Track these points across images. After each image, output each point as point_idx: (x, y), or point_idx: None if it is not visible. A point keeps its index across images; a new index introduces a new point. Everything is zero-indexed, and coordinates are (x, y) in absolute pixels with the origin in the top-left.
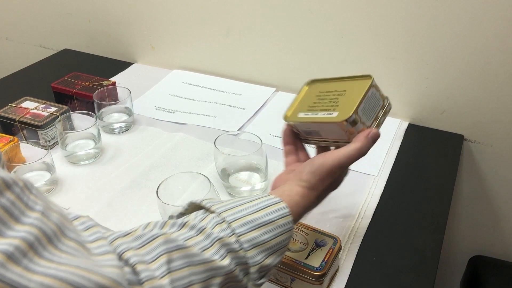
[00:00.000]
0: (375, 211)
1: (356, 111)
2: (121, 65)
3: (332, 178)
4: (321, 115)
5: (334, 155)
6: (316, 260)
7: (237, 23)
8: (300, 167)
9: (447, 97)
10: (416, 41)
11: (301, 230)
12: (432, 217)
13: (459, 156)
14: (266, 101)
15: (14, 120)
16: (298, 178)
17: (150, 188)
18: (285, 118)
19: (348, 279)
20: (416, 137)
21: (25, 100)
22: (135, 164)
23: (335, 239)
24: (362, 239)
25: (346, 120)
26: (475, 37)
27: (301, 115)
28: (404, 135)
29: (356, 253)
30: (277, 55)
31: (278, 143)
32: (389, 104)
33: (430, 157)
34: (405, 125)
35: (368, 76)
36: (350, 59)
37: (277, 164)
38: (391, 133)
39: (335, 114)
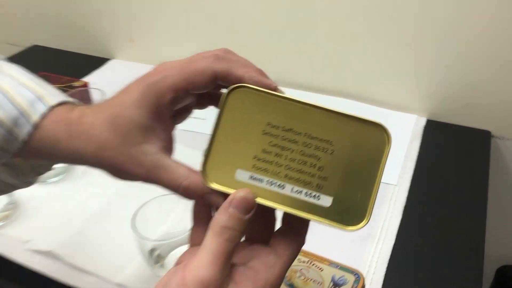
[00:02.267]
0: (398, 229)
1: (370, 213)
2: (97, 62)
3: None
4: (297, 198)
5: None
6: None
7: (227, 10)
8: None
9: (470, 87)
10: (435, 23)
11: (313, 264)
12: (466, 233)
13: (488, 155)
14: None
15: None
16: None
17: (129, 211)
18: (208, 181)
19: None
20: (437, 135)
21: None
22: (110, 181)
23: (357, 275)
24: (387, 266)
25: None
26: (503, 18)
27: (246, 179)
28: (422, 134)
29: (381, 285)
30: (270, 45)
31: None
32: None
33: (455, 158)
34: (423, 121)
35: (380, 127)
36: (357, 47)
37: None
38: (408, 132)
39: (326, 200)
